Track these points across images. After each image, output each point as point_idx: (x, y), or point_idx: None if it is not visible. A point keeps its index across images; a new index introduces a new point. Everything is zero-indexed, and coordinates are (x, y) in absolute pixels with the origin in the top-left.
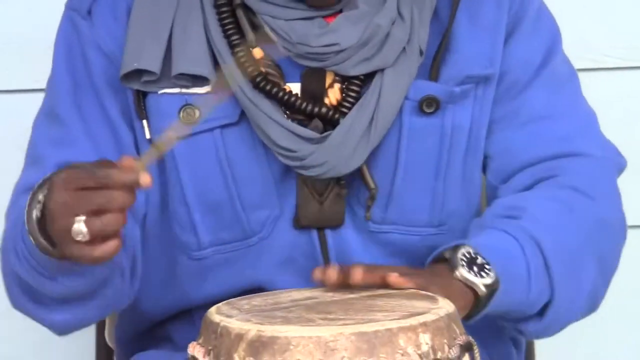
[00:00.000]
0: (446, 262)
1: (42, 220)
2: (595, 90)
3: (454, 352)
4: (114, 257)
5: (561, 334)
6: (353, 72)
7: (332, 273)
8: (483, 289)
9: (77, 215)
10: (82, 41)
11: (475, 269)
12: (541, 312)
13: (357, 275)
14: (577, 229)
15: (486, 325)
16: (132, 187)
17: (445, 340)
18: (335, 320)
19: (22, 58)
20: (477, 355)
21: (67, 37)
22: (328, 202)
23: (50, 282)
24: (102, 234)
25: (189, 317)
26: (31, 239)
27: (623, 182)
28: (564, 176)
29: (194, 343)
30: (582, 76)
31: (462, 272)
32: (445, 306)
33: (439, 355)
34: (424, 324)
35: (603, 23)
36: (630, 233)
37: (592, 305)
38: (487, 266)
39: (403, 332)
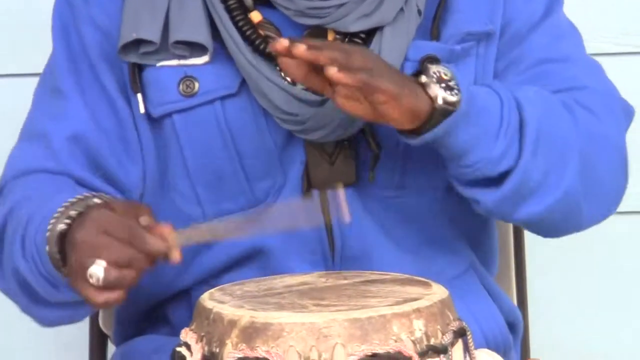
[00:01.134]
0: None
1: (63, 237)
2: None
3: (448, 337)
4: None
5: (556, 321)
6: (353, 28)
7: (283, 42)
8: (441, 101)
9: (100, 258)
10: (77, 17)
11: (442, 85)
12: (501, 181)
13: (300, 49)
14: (569, 126)
15: (484, 310)
16: (158, 256)
17: (438, 326)
18: (328, 307)
19: (11, 43)
20: (470, 340)
21: (61, 14)
22: (338, 162)
23: (53, 289)
24: (113, 284)
25: (187, 297)
26: (47, 247)
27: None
28: (567, 96)
29: (187, 329)
30: None
31: (427, 79)
32: (438, 292)
33: (433, 341)
34: (418, 310)
35: (596, 9)
36: (620, 218)
37: (567, 213)
38: (455, 89)
39: (396, 319)
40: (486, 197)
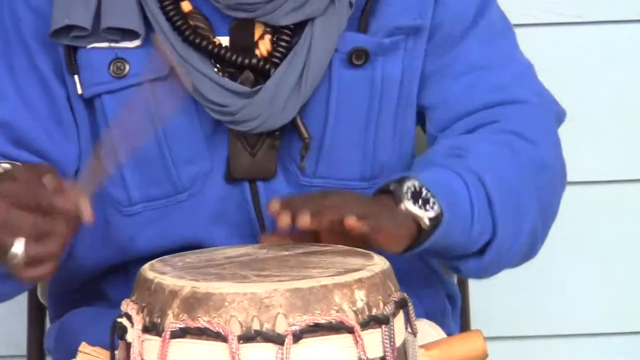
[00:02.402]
0: (390, 194)
1: None
2: (533, 46)
3: (389, 308)
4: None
5: (495, 288)
6: (284, 22)
7: (284, 218)
8: (427, 222)
9: (17, 236)
10: None
11: (420, 202)
12: (482, 251)
13: (304, 221)
14: (518, 169)
15: (422, 281)
16: (74, 218)
17: (380, 297)
18: (269, 277)
19: None
20: (411, 311)
21: None
22: (260, 154)
23: None
24: (38, 259)
25: (125, 272)
26: None
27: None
28: (503, 122)
29: (127, 300)
30: (520, 32)
31: (407, 205)
32: (379, 263)
33: (374, 311)
34: (359, 281)
35: None
36: (579, 189)
37: (530, 248)
38: (431, 199)
39: (338, 289)
40: (468, 266)
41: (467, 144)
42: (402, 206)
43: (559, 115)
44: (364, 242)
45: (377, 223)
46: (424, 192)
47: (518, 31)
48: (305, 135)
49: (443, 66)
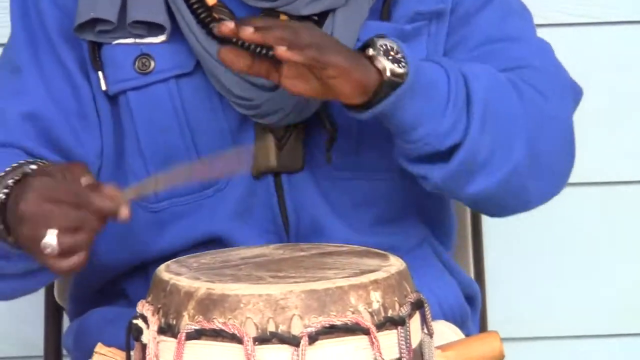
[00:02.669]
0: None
1: (3, 207)
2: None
3: (405, 309)
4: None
5: (513, 293)
6: (305, 12)
7: (228, 24)
8: (389, 73)
9: (50, 227)
10: None
11: (389, 57)
12: (449, 157)
13: (247, 32)
14: (516, 104)
15: (440, 282)
16: (108, 215)
17: (396, 298)
18: (285, 278)
19: None
20: (427, 312)
21: None
22: (287, 147)
23: (3, 260)
24: (70, 250)
25: (144, 272)
26: None
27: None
28: (515, 74)
29: (143, 301)
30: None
31: (375, 53)
32: (395, 263)
33: (390, 312)
34: (375, 282)
35: None
36: (574, 190)
37: (514, 191)
38: (402, 61)
39: (354, 290)
40: (434, 173)
41: (471, 66)
42: (369, 51)
43: (576, 91)
44: (319, 80)
45: (320, 55)
46: (397, 54)
47: None
48: (330, 128)
49: (458, 42)
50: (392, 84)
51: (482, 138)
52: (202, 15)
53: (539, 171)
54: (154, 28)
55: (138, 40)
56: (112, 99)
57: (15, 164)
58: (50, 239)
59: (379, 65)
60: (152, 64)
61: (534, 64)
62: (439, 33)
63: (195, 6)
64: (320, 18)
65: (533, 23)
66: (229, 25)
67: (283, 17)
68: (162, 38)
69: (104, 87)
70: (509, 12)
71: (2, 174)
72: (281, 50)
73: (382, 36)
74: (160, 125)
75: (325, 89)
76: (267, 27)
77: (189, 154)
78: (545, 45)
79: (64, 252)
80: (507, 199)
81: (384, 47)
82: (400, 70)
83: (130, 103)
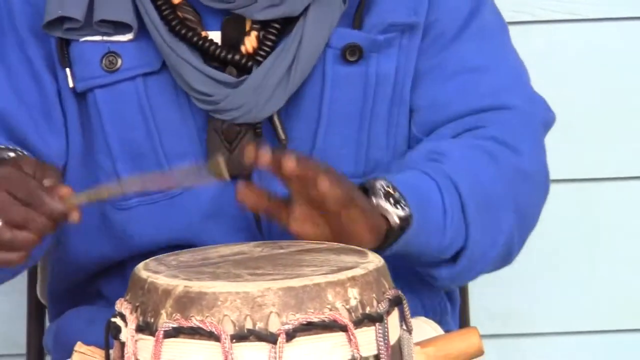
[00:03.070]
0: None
1: None
2: (532, 44)
3: (383, 306)
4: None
5: (495, 289)
6: (259, 17)
7: (265, 154)
8: (396, 219)
9: None
10: None
11: (391, 200)
12: (454, 258)
13: (290, 163)
14: (497, 177)
15: (420, 278)
16: (57, 218)
17: (374, 295)
18: (263, 276)
19: None
20: (406, 309)
21: None
22: (238, 151)
23: None
24: (7, 245)
25: (121, 271)
26: None
27: (559, 136)
28: (488, 128)
29: (122, 299)
30: (519, 29)
31: (379, 200)
32: (374, 260)
33: (368, 309)
34: (353, 279)
35: None
36: (554, 186)
37: (506, 256)
38: (402, 200)
39: (331, 287)
40: (441, 274)
41: (445, 149)
42: (374, 200)
43: (548, 122)
44: (335, 227)
45: (351, 197)
46: (396, 193)
47: (515, 29)
48: (282, 136)
49: (433, 67)
50: (400, 227)
51: (480, 234)
52: (166, 13)
53: (526, 227)
54: (121, 26)
55: (105, 38)
56: (80, 96)
57: None
58: None
59: (385, 213)
60: (119, 61)
61: (507, 102)
62: (411, 47)
63: (160, 2)
64: (285, 26)
65: (509, 39)
66: (266, 156)
67: (248, 23)
68: (129, 36)
69: (71, 85)
70: (486, 37)
71: None
72: (325, 185)
73: (375, 178)
74: (128, 123)
75: (337, 234)
76: (304, 160)
77: (156, 152)
78: (519, 72)
79: (1, 245)
80: (498, 266)
81: (383, 189)
82: (403, 214)
83: (98, 101)
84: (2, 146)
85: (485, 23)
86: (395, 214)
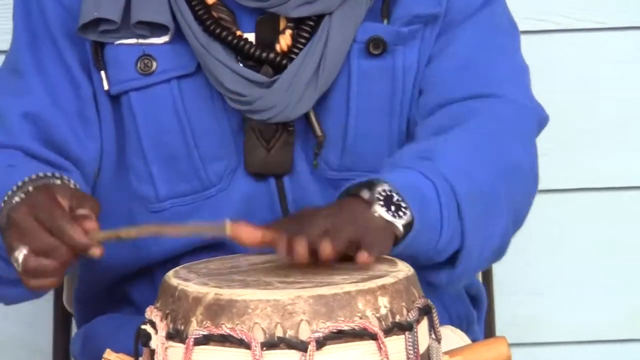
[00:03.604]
0: (359, 197)
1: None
2: (553, 52)
3: (413, 315)
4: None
5: (520, 298)
6: (294, 14)
7: (301, 248)
8: (402, 229)
9: (23, 244)
10: None
11: (392, 208)
12: (452, 262)
13: (327, 250)
14: (490, 172)
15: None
16: (78, 250)
17: (403, 304)
18: (293, 284)
19: None
20: (435, 317)
21: None
22: (275, 149)
23: (4, 263)
24: (34, 272)
25: (149, 277)
26: None
27: (577, 144)
28: (482, 118)
29: (152, 307)
30: (541, 38)
31: (381, 211)
32: (403, 269)
33: (398, 318)
34: (383, 287)
35: None
36: (572, 196)
37: (500, 251)
38: (403, 205)
39: (362, 295)
40: (441, 278)
41: (438, 148)
42: (375, 212)
43: (541, 121)
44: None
45: (372, 245)
46: (396, 197)
47: (537, 37)
48: (319, 133)
49: (439, 49)
50: (405, 233)
51: (476, 235)
52: (200, 13)
53: (518, 222)
54: (157, 29)
55: (141, 41)
56: (115, 99)
57: (42, 174)
58: (19, 255)
59: (390, 226)
60: (154, 64)
61: (504, 92)
62: (431, 38)
63: (194, 2)
64: (318, 23)
65: (519, 43)
66: (303, 253)
67: (283, 21)
68: (165, 39)
69: (106, 87)
70: (494, 28)
71: (27, 179)
72: (364, 257)
73: (373, 184)
74: (162, 126)
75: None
76: (334, 237)
77: (190, 155)
78: (521, 71)
79: (28, 272)
80: (490, 263)
81: (384, 194)
82: (405, 222)
83: (132, 103)
84: (49, 174)
85: (494, 15)
86: (399, 224)
